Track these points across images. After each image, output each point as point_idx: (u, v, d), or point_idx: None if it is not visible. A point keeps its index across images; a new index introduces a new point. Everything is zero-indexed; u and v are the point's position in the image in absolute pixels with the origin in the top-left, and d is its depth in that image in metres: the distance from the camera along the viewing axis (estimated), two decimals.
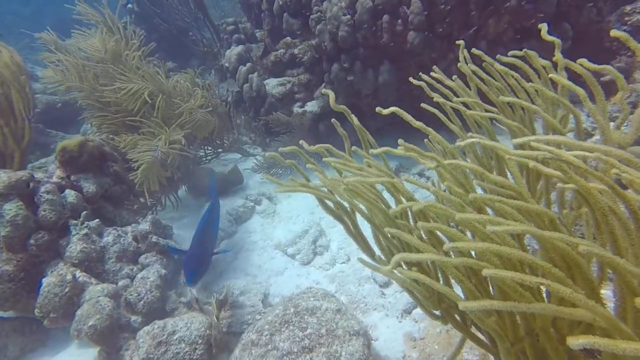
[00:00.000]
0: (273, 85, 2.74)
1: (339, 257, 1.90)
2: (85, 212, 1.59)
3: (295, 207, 2.32)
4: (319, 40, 2.50)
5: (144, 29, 3.09)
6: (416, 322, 1.44)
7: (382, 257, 1.16)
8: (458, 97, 0.98)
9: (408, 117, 0.85)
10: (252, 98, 2.73)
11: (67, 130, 3.45)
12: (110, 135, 2.23)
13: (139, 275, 1.58)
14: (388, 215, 0.84)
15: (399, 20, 2.24)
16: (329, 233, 2.08)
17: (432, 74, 0.99)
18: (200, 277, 1.63)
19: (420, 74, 1.03)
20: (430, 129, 0.85)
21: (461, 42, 1.09)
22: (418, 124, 0.84)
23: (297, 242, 2.00)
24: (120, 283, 1.55)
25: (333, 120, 1.08)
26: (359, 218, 1.00)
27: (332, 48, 2.42)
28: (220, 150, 2.90)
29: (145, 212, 2.29)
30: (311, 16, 2.50)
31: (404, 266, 0.92)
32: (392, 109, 0.84)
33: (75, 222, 1.55)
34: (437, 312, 0.90)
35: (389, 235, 0.89)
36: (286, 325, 1.24)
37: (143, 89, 2.18)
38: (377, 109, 0.90)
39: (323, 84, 2.71)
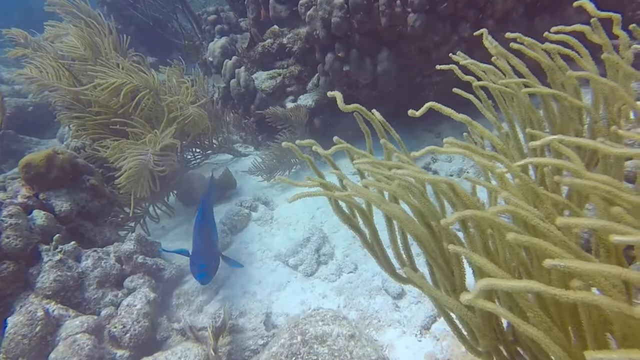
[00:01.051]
0: (262, 79, 2.53)
1: (346, 266, 1.75)
2: (58, 234, 1.40)
3: (294, 212, 2.15)
4: (310, 28, 2.29)
5: (118, 21, 2.84)
6: (438, 340, 1.30)
7: (404, 273, 1.01)
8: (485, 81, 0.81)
9: (448, 111, 0.68)
10: (240, 94, 2.52)
11: (42, 135, 3.21)
12: (90, 140, 2.02)
13: (125, 302, 1.41)
14: (427, 226, 0.67)
15: (398, 2, 2.04)
16: (333, 239, 1.92)
17: (457, 57, 0.81)
18: (213, 272, 1.50)
19: (451, 55, 0.85)
20: (476, 123, 0.68)
21: (484, 30, 0.90)
22: (460, 116, 0.67)
23: (298, 251, 1.84)
24: (104, 312, 1.38)
25: (355, 113, 0.90)
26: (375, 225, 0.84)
27: (324, 36, 2.22)
28: (209, 152, 2.71)
29: (131, 225, 2.11)
30: (300, 1, 2.29)
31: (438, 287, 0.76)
32: (430, 104, 0.67)
33: (47, 247, 1.37)
34: (481, 349, 0.75)
35: (433, 251, 0.72)
36: (294, 358, 1.08)
37: (127, 83, 1.96)
38: (410, 111, 0.72)
39: (316, 75, 2.51)
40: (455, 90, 0.75)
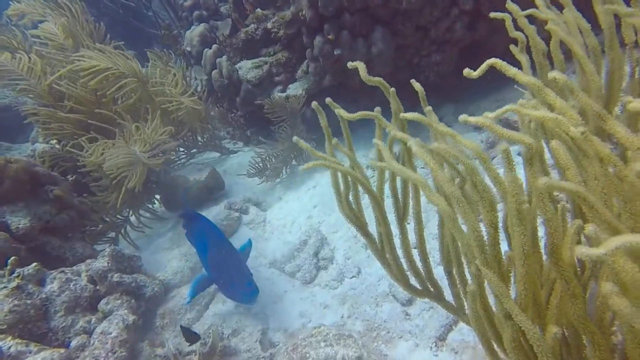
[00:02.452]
0: (247, 69, 2.32)
1: (347, 270, 1.58)
2: (14, 257, 1.21)
3: (288, 212, 1.97)
4: (295, 9, 2.08)
5: (90, 12, 2.60)
6: (456, 353, 1.14)
7: (419, 285, 0.84)
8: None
9: (513, 72, 0.50)
10: (223, 86, 2.32)
11: (14, 140, 2.98)
12: (61, 142, 1.82)
13: (98, 330, 1.23)
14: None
15: None
16: (332, 240, 1.75)
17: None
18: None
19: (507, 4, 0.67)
20: (549, 90, 0.50)
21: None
22: (527, 79, 0.49)
23: (295, 256, 1.67)
24: (74, 343, 1.20)
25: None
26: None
27: (312, 17, 2.01)
28: (194, 150, 2.51)
29: (111, 237, 1.92)
30: None
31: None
32: (491, 61, 0.50)
33: (1, 272, 1.18)
34: None
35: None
36: None
37: (112, 69, 1.75)
38: (466, 70, 0.56)
39: (305, 62, 2.30)
40: (512, 47, 0.57)
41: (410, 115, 0.62)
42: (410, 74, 2.17)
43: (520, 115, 0.69)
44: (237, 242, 1.88)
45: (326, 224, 1.86)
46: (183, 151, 2.47)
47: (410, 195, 0.82)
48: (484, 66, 0.52)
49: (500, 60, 0.50)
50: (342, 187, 0.83)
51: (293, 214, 1.95)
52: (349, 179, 0.83)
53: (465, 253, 0.62)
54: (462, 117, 0.48)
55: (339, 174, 0.82)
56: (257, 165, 2.16)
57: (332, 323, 1.36)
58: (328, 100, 0.85)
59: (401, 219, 0.83)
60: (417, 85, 0.72)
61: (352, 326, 1.33)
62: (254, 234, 1.89)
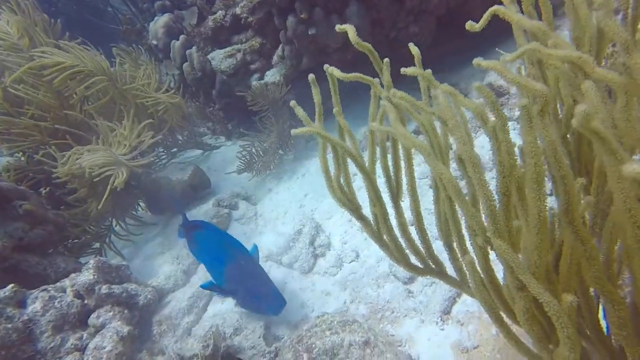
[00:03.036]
0: (220, 59, 2.21)
1: (346, 255, 1.55)
2: None
3: (280, 203, 1.92)
4: None
5: (43, 10, 2.41)
6: (462, 325, 1.14)
7: (420, 263, 0.81)
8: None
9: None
10: (197, 79, 2.20)
11: None
12: (25, 153, 1.69)
13: (91, 345, 1.17)
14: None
15: None
16: (327, 226, 1.71)
17: None
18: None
19: None
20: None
21: None
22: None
23: (291, 247, 1.63)
24: None
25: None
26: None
27: None
28: (174, 149, 2.41)
29: (95, 248, 1.83)
30: None
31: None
32: (494, 9, 0.45)
33: None
34: None
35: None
36: None
37: (80, 67, 1.62)
38: (468, 23, 0.51)
39: (280, 46, 2.21)
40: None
41: (411, 70, 0.57)
42: (388, 49, 2.11)
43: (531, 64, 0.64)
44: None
45: (319, 211, 1.81)
46: (163, 151, 2.37)
47: (404, 172, 0.77)
48: (486, 15, 0.47)
49: (503, 7, 0.45)
50: (332, 170, 0.79)
51: (284, 204, 1.90)
52: (340, 160, 0.77)
53: (470, 225, 0.59)
54: (476, 60, 0.43)
55: (329, 158, 0.77)
56: (245, 159, 2.08)
57: (335, 310, 1.33)
58: (311, 77, 0.79)
59: (395, 197, 0.79)
60: (414, 50, 0.67)
61: (355, 311, 1.31)
62: (246, 229, 1.83)
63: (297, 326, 1.31)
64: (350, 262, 1.53)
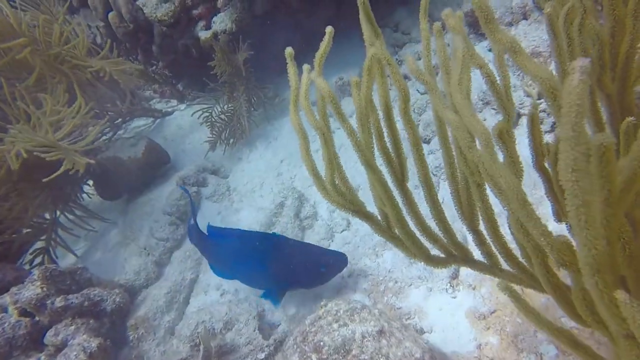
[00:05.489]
0: (153, 5, 1.77)
1: (336, 225, 1.41)
2: None
3: (254, 173, 1.70)
4: None
5: None
6: (473, 288, 1.06)
7: (442, 253, 0.67)
8: None
9: None
10: (129, 33, 1.78)
11: None
12: None
13: None
14: None
15: None
16: (310, 195, 1.54)
17: None
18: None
19: None
20: None
21: None
22: None
23: (275, 222, 1.45)
24: None
25: None
26: None
27: None
28: (118, 120, 2.03)
29: (37, 249, 1.55)
30: None
31: None
32: None
33: None
34: None
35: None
36: None
37: None
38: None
39: None
40: None
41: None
42: None
43: None
44: (201, 218, 1.61)
45: (299, 178, 1.63)
46: (104, 123, 1.98)
47: (412, 155, 0.59)
48: None
49: None
50: (319, 164, 0.59)
51: (259, 174, 1.68)
52: (331, 154, 0.57)
53: (520, 200, 0.43)
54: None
55: (310, 146, 0.56)
56: (214, 130, 1.77)
57: (333, 287, 1.22)
58: (288, 52, 0.54)
59: (400, 181, 0.62)
60: None
61: (355, 285, 1.21)
62: (220, 207, 1.62)
63: (294, 316, 1.19)
64: (341, 232, 1.40)
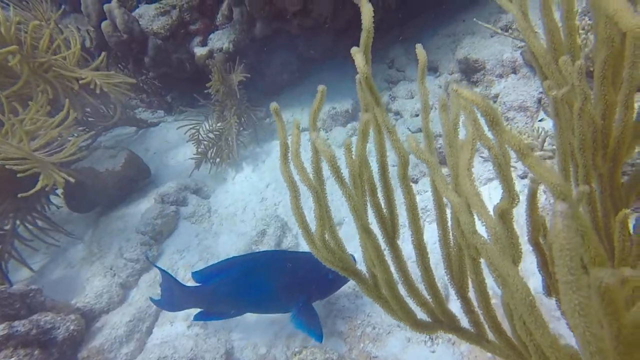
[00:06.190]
0: (150, 17, 1.75)
1: None
2: None
3: (238, 196, 1.64)
4: None
5: None
6: (453, 344, 1.03)
7: (428, 317, 0.64)
8: None
9: None
10: (122, 42, 1.73)
11: None
12: None
13: None
14: None
15: None
16: (293, 224, 1.49)
17: None
18: None
19: None
20: None
21: None
22: None
23: (254, 250, 1.39)
24: None
25: None
26: None
27: None
28: (100, 127, 1.95)
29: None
30: None
31: None
32: None
33: None
34: None
35: None
36: None
37: None
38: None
39: (225, 3, 1.80)
40: None
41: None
42: (355, 10, 1.82)
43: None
44: (177, 240, 1.52)
45: (284, 205, 1.58)
46: (84, 130, 1.89)
47: (408, 218, 0.57)
48: None
49: None
50: (309, 219, 0.56)
51: (243, 197, 1.63)
52: (324, 211, 0.53)
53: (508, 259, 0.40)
54: None
55: (300, 197, 0.53)
56: (201, 147, 1.71)
57: None
58: (273, 107, 0.52)
59: (391, 238, 0.59)
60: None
61: (332, 327, 1.15)
62: (198, 229, 1.54)
63: (265, 356, 1.11)
64: None
